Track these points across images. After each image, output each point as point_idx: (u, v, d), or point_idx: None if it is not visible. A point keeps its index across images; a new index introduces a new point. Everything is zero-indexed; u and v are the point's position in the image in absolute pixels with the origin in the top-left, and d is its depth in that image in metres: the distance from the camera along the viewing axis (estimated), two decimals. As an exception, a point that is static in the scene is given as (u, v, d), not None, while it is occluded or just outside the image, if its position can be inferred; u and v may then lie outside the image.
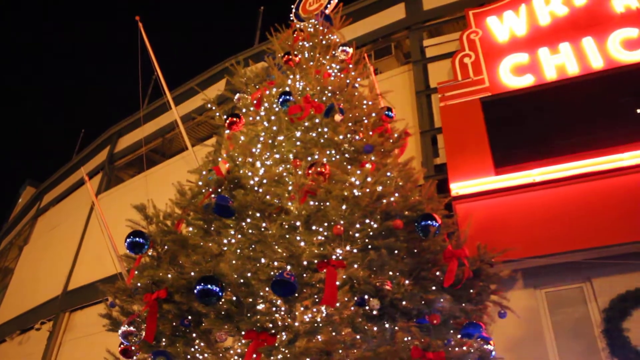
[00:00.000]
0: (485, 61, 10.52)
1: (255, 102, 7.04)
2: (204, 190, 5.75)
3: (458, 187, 8.87)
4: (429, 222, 4.99)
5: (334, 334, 4.83)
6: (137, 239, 5.08)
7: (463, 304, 5.30)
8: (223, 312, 4.80)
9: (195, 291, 4.41)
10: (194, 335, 5.01)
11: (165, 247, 5.29)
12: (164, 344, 4.93)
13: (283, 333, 4.69)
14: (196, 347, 5.09)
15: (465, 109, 9.85)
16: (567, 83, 9.55)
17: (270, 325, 4.60)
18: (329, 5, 9.42)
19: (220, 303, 4.70)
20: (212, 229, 5.47)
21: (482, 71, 10.36)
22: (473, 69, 10.45)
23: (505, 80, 10.11)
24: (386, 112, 6.88)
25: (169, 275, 5.01)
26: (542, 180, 8.51)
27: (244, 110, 7.32)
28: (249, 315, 4.74)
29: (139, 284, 5.14)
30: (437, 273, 5.20)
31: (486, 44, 10.87)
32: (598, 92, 9.12)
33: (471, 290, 5.31)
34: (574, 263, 7.91)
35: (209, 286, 4.40)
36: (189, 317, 4.90)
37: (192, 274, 4.81)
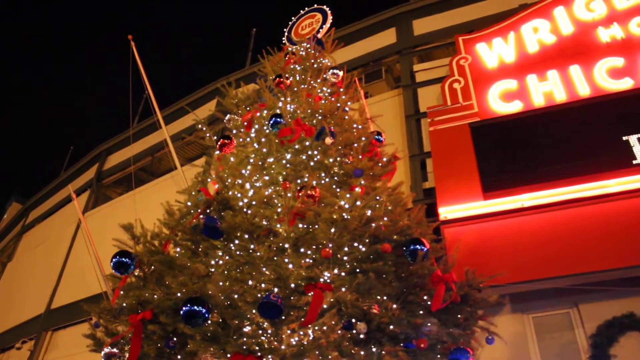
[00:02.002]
0: (475, 87, 10.64)
1: (245, 123, 7.06)
2: (192, 211, 5.73)
3: (446, 212, 8.90)
4: (418, 246, 5.00)
5: (320, 357, 4.79)
6: (123, 259, 5.04)
7: (450, 329, 5.29)
8: (209, 334, 4.75)
9: (182, 312, 4.36)
10: (179, 357, 4.95)
11: (152, 267, 5.25)
12: (148, 366, 4.87)
13: (269, 356, 4.65)
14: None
15: (454, 134, 9.94)
16: (555, 109, 9.69)
17: (257, 347, 4.56)
18: (321, 30, 9.53)
19: (207, 325, 4.65)
20: (200, 249, 5.44)
21: (471, 96, 10.48)
22: (462, 94, 10.57)
23: (494, 105, 10.23)
24: (376, 137, 6.93)
25: (155, 296, 4.97)
26: (530, 206, 8.57)
27: (234, 131, 7.34)
28: (235, 337, 4.69)
29: (124, 304, 5.08)
30: (425, 297, 5.20)
31: (475, 69, 11.01)
32: (585, 119, 9.24)
33: (459, 315, 5.31)
34: (562, 288, 7.93)
35: (196, 307, 4.35)
36: (175, 339, 4.84)
37: (179, 294, 4.77)
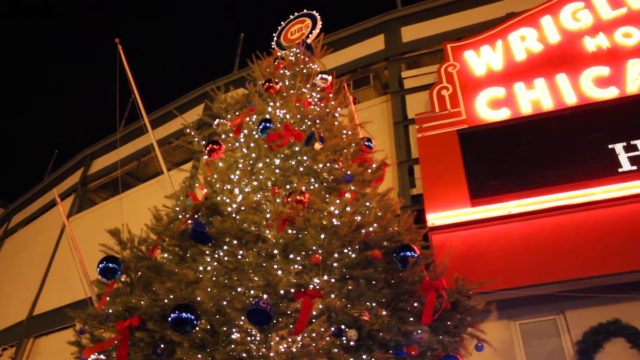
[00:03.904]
0: (463, 94, 10.70)
1: (234, 128, 7.02)
2: (180, 216, 5.67)
3: (434, 218, 8.91)
4: (408, 253, 4.99)
5: (310, 364, 4.75)
6: (110, 264, 4.98)
7: (440, 336, 5.28)
8: (197, 341, 4.70)
9: (170, 319, 4.31)
10: (166, 365, 4.89)
11: (139, 273, 5.19)
12: (135, 374, 4.80)
13: (258, 363, 4.61)
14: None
15: (442, 141, 9.97)
16: (542, 117, 9.75)
17: (245, 355, 4.52)
18: (310, 35, 9.53)
19: (195, 332, 4.60)
20: (188, 255, 5.39)
21: (459, 103, 10.53)
22: (450, 101, 10.61)
23: (482, 113, 10.29)
24: (366, 143, 6.92)
25: (142, 302, 4.91)
26: (517, 213, 8.61)
27: (222, 136, 7.29)
28: (223, 344, 4.65)
29: (110, 311, 5.01)
30: (415, 304, 5.18)
31: (463, 77, 11.07)
32: (571, 127, 9.32)
33: (448, 322, 5.30)
34: (548, 295, 7.96)
35: (184, 314, 4.31)
36: (162, 346, 4.78)
37: (167, 301, 4.72)
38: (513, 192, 8.76)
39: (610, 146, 8.75)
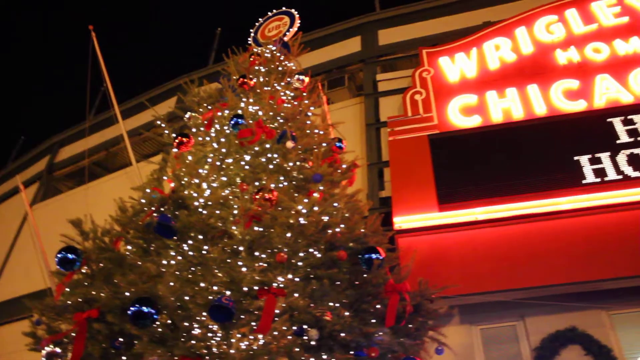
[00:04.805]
0: (436, 99, 10.80)
1: (206, 122, 6.95)
2: (146, 209, 5.58)
3: (401, 221, 8.97)
4: (373, 255, 5.00)
5: (270, 363, 4.72)
6: (69, 254, 4.85)
7: (402, 339, 5.31)
8: (157, 336, 4.63)
9: (130, 312, 4.23)
10: (124, 358, 4.80)
11: (101, 264, 5.09)
12: (91, 366, 4.70)
13: (218, 360, 4.56)
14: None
15: (413, 145, 10.04)
16: (512, 126, 9.91)
17: (205, 351, 4.47)
18: (287, 33, 9.50)
19: (155, 326, 4.53)
20: (152, 248, 5.31)
21: (432, 109, 10.62)
22: (423, 106, 10.70)
23: (454, 119, 10.40)
24: (337, 143, 6.92)
25: (102, 295, 4.81)
26: (484, 219, 8.73)
27: (193, 129, 7.21)
28: (183, 340, 4.59)
29: (69, 302, 4.90)
30: (378, 306, 5.20)
31: (437, 82, 11.17)
32: (540, 138, 9.48)
33: (410, 325, 5.33)
34: (510, 301, 8.08)
35: (145, 308, 4.23)
36: (121, 339, 4.70)
37: (127, 294, 4.63)
38: (481, 198, 8.87)
39: (575, 158, 8.93)
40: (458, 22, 12.99)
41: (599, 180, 8.61)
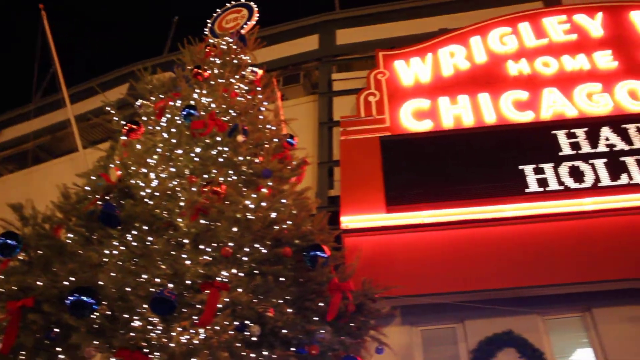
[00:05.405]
0: (389, 102, 10.92)
1: (157, 111, 6.83)
2: (90, 196, 5.45)
3: (348, 221, 9.04)
4: (318, 252, 5.03)
5: (210, 357, 4.69)
6: (9, 240, 4.69)
7: (343, 337, 5.36)
8: (96, 327, 4.52)
9: (68, 302, 4.12)
10: (59, 349, 4.67)
11: (39, 252, 4.93)
12: (22, 357, 4.55)
13: (157, 353, 4.50)
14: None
15: (365, 146, 10.14)
16: (462, 133, 10.13)
17: (145, 344, 4.40)
18: (245, 26, 9.44)
19: (94, 317, 4.43)
20: (94, 237, 5.18)
21: (385, 111, 10.75)
22: (376, 108, 10.81)
23: (406, 122, 10.55)
24: (288, 139, 6.93)
25: (40, 283, 4.66)
26: (430, 223, 8.90)
27: (144, 118, 7.07)
28: (123, 331, 4.51)
29: (2, 290, 4.73)
30: (321, 304, 5.23)
31: (391, 85, 11.31)
32: (488, 145, 9.73)
33: (352, 324, 5.39)
34: (451, 304, 8.27)
35: (84, 297, 4.13)
36: (56, 330, 4.57)
37: (67, 283, 4.51)
38: (427, 202, 9.03)
39: (520, 167, 9.20)
40: (415, 27, 13.18)
41: (541, 189, 8.91)
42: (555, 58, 11.17)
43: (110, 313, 4.54)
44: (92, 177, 5.73)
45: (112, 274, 4.77)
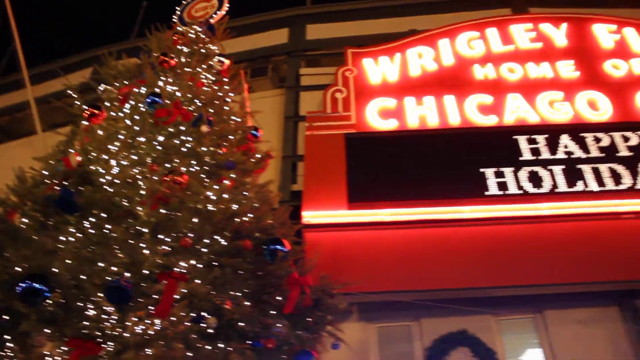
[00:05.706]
0: (356, 99, 10.99)
1: (121, 97, 6.70)
2: (47, 181, 5.32)
3: (310, 216, 9.07)
4: (278, 246, 5.01)
5: (165, 349, 4.65)
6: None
7: (299, 332, 5.38)
8: (47, 315, 4.43)
9: (19, 288, 4.02)
10: (8, 337, 4.56)
11: (-9, 236, 4.80)
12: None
13: (111, 343, 4.43)
14: (7, 351, 4.63)
15: (329, 142, 10.18)
16: (426, 133, 10.27)
17: (98, 333, 4.33)
18: (214, 15, 9.32)
19: (46, 304, 4.34)
20: (50, 223, 5.06)
21: (351, 108, 10.80)
22: (343, 105, 10.86)
23: (371, 120, 10.62)
24: (253, 132, 6.90)
25: (-11, 268, 4.54)
26: (390, 221, 9.00)
27: (107, 103, 6.93)
28: (76, 320, 4.42)
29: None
30: (279, 298, 5.23)
31: (359, 83, 11.37)
32: (451, 147, 9.90)
33: (309, 319, 5.41)
34: (408, 302, 8.39)
35: (36, 284, 4.04)
36: (5, 317, 4.45)
37: (19, 269, 4.40)
38: (389, 200, 9.14)
39: (482, 170, 9.38)
40: (385, 27, 13.27)
41: (501, 193, 9.11)
42: (521, 65, 11.41)
43: (64, 301, 4.45)
44: (51, 162, 5.61)
45: (67, 261, 4.68)
